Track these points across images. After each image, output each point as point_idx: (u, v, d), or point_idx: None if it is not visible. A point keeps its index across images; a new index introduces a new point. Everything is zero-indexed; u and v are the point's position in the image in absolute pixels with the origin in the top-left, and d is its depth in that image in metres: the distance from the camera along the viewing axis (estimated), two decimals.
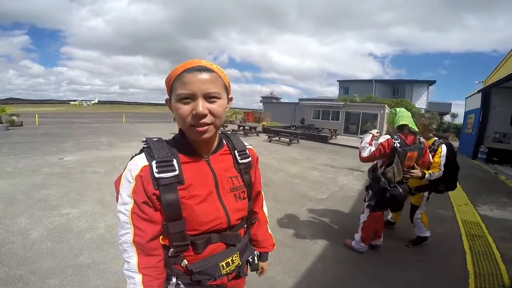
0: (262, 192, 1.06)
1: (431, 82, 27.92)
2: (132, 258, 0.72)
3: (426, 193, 2.78)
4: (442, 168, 2.52)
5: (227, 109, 0.78)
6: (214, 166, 0.81)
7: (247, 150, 0.91)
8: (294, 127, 17.08)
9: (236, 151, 0.87)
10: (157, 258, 0.76)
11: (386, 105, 17.07)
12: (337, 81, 32.74)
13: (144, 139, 0.78)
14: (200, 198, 0.75)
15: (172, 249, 0.76)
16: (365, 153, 2.36)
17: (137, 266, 0.72)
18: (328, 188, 4.99)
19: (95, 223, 3.00)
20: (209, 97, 0.70)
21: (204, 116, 0.69)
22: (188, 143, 0.79)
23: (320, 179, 5.70)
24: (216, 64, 0.76)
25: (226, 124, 18.60)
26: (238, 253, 0.86)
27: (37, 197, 3.66)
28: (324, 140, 12.85)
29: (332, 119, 18.64)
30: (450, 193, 4.82)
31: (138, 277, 0.72)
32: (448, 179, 2.66)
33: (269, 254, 1.10)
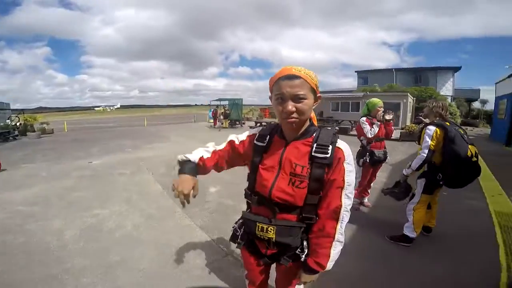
0: (341, 204, 0.92)
1: (456, 69, 26.27)
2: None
3: (422, 181, 2.51)
4: (425, 151, 2.33)
5: (315, 105, 0.97)
6: (288, 150, 0.99)
7: (329, 147, 0.93)
8: None
9: (315, 144, 0.94)
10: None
11: (408, 94, 16.29)
12: (355, 71, 31.80)
13: (264, 123, 0.94)
14: (265, 167, 1.01)
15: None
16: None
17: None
18: None
19: (122, 222, 3.13)
20: (297, 98, 0.88)
21: (292, 112, 0.89)
22: (280, 128, 1.03)
23: None
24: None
25: (243, 121, 18.63)
26: (274, 228, 0.96)
27: (69, 199, 3.88)
28: (344, 132, 12.55)
29: (351, 111, 18.11)
30: (481, 182, 4.46)
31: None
32: (447, 171, 2.32)
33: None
